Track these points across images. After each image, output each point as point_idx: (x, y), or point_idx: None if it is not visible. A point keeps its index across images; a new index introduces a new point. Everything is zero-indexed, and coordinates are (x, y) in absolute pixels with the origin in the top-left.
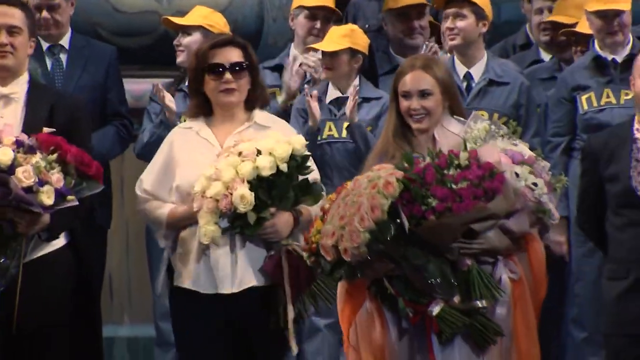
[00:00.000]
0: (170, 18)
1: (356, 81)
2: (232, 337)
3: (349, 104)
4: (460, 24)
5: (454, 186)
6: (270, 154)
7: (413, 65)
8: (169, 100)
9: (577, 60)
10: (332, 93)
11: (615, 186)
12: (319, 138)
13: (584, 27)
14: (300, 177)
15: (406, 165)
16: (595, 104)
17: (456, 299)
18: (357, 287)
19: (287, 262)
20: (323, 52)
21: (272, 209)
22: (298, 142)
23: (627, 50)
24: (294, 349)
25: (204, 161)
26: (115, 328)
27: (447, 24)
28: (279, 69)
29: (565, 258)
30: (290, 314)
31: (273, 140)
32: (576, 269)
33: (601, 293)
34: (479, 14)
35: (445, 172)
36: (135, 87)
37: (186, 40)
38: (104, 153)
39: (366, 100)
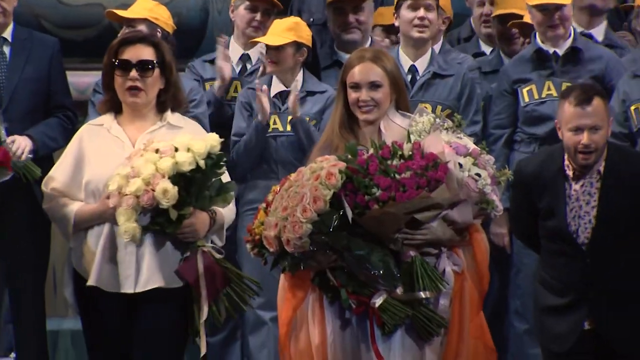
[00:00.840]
0: (115, 11)
1: (299, 76)
2: (136, 337)
3: (291, 98)
4: (430, 15)
5: (397, 176)
6: (188, 150)
7: (362, 56)
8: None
9: (519, 53)
10: (277, 86)
11: (550, 220)
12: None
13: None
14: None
15: (349, 156)
16: (536, 96)
17: (399, 291)
18: (299, 283)
19: (203, 264)
20: (268, 46)
21: (191, 208)
22: (213, 139)
23: (568, 43)
24: (203, 350)
25: (115, 159)
26: (59, 321)
27: (419, 14)
28: None
29: (506, 249)
30: (203, 316)
31: (188, 137)
32: (517, 260)
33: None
34: (440, 8)
35: (389, 162)
36: (79, 79)
37: None
38: (48, 144)
39: (310, 93)
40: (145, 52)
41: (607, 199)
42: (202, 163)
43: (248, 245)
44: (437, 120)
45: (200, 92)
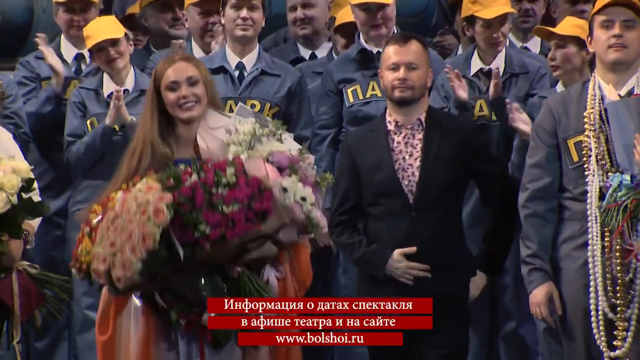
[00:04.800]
0: None
1: (129, 76)
2: None
3: (120, 106)
4: (255, 15)
5: (224, 208)
6: (0, 189)
7: (173, 59)
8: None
9: (342, 53)
10: (109, 86)
11: (377, 174)
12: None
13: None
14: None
15: (173, 182)
16: (361, 96)
17: None
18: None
19: (18, 283)
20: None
21: (5, 244)
22: (23, 168)
23: None
24: None
25: None
26: None
27: (242, 13)
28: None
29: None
30: (17, 337)
31: None
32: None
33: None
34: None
35: (214, 190)
36: None
37: None
38: None
39: (143, 93)
40: None
41: (429, 149)
42: (14, 199)
43: (74, 271)
44: (258, 127)
45: (15, 87)
